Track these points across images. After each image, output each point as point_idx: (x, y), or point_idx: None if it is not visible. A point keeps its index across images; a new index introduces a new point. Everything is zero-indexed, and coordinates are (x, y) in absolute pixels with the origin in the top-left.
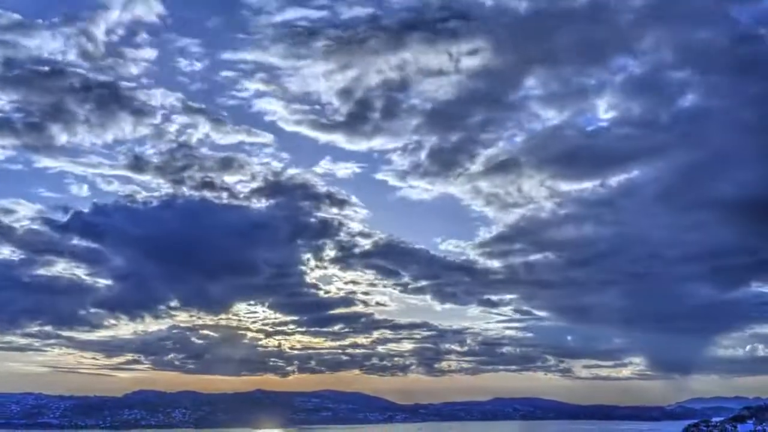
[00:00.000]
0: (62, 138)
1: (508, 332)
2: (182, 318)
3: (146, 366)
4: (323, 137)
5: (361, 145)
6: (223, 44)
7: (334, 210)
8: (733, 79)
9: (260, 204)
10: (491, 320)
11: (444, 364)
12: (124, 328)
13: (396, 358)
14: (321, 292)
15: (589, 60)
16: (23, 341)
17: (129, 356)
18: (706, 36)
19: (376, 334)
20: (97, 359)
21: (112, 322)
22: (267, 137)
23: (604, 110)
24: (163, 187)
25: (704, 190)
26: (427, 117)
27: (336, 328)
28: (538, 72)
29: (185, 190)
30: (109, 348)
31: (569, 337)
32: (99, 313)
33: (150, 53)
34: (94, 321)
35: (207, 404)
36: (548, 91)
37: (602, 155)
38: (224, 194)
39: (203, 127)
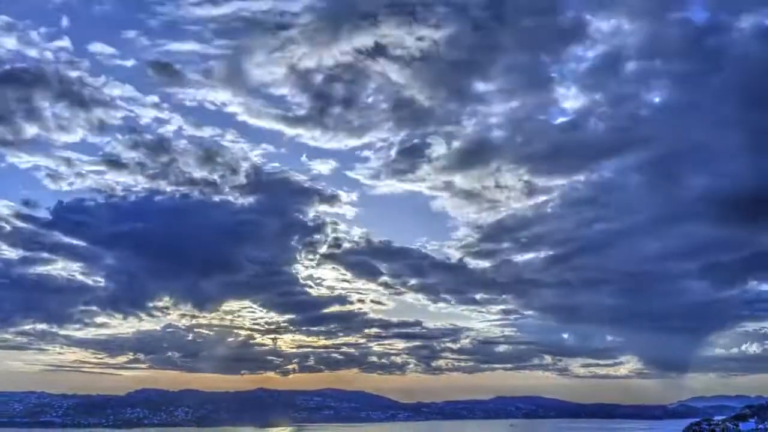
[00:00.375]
0: (32, 132)
1: (503, 331)
2: (179, 317)
3: (148, 365)
4: (289, 131)
5: (331, 141)
6: (172, 36)
7: (324, 207)
8: (694, 68)
9: (244, 201)
10: (485, 319)
11: (442, 363)
12: (122, 327)
13: (393, 357)
14: (315, 291)
15: (550, 50)
16: (16, 339)
17: (131, 355)
18: (663, 25)
19: (372, 333)
20: (100, 358)
21: (105, 320)
22: (235, 132)
23: (571, 102)
24: (140, 182)
25: (688, 185)
26: (393, 111)
27: (332, 326)
28: (500, 62)
29: (165, 186)
30: (111, 347)
31: (566, 336)
32: (90, 311)
33: (111, 49)
34: (84, 319)
35: (209, 403)
36: (512, 82)
37: (577, 149)
38: (206, 190)
39: (176, 122)
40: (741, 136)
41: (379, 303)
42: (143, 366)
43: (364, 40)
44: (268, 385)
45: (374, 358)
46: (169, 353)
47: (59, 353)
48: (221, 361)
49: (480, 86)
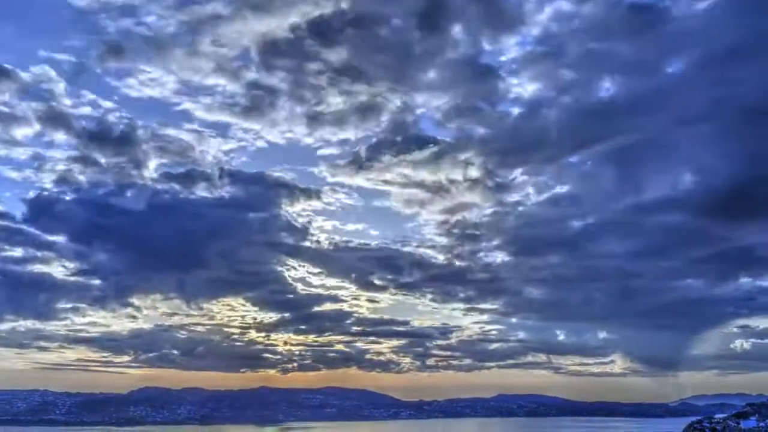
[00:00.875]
0: None
1: (494, 330)
2: (169, 315)
3: (150, 363)
4: (244, 124)
5: (290, 135)
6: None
7: (301, 205)
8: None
9: (218, 194)
10: (477, 319)
11: (439, 362)
12: (120, 326)
13: (389, 356)
14: (310, 291)
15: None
16: (6, 338)
17: (132, 353)
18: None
19: (362, 332)
20: (104, 356)
21: (93, 318)
22: (192, 126)
23: (524, 91)
24: (108, 177)
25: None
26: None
27: (328, 325)
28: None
29: (135, 180)
30: (113, 346)
31: (558, 334)
32: (77, 309)
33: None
34: (72, 317)
35: (212, 401)
36: (460, 72)
37: (544, 142)
38: (177, 186)
39: (125, 113)
40: (710, 125)
41: (370, 301)
42: (146, 364)
43: (308, 19)
44: (270, 384)
45: (370, 356)
46: (167, 351)
47: (61, 352)
48: (219, 359)
49: (431, 75)
